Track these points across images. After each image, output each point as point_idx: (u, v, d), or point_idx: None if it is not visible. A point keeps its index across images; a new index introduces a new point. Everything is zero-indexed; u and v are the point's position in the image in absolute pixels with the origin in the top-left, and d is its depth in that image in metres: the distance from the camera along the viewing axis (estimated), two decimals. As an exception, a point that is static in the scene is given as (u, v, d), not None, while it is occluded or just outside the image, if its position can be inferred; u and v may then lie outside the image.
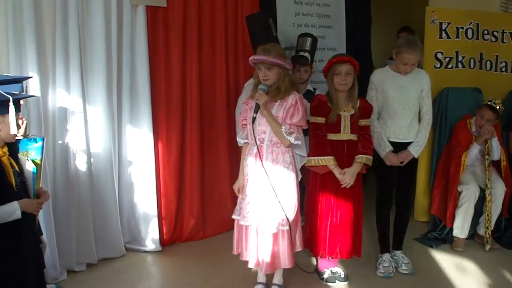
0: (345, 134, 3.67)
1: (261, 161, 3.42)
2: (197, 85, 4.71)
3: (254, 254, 3.46)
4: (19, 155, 2.84)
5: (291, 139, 3.39)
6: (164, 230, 4.65)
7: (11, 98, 2.53)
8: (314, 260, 4.14)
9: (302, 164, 3.69)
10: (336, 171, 3.61)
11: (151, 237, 4.53)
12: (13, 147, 2.77)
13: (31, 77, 3.51)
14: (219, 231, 4.93)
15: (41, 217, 3.61)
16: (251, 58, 3.44)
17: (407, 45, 3.80)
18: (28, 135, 3.39)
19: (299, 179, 3.61)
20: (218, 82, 4.88)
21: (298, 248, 3.61)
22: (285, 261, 3.49)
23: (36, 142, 2.93)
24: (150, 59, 4.40)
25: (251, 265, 3.49)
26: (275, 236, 3.43)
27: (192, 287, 3.87)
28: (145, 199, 4.51)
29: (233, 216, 3.60)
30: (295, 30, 5.41)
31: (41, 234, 3.48)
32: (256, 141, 3.46)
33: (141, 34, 4.32)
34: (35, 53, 3.68)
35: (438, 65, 5.16)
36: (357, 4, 6.14)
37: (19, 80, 3.18)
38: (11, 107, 2.53)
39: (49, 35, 3.82)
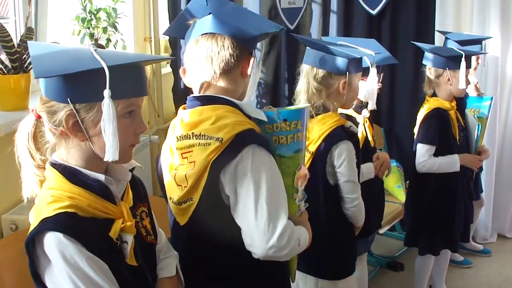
0: None
1: None
2: None
3: None
4: (466, 111, 2.94)
5: None
6: None
7: (463, 54, 2.65)
8: None
9: None
10: None
11: None
12: (461, 102, 2.89)
13: (490, 37, 3.51)
14: None
15: (483, 175, 3.69)
16: None
17: None
18: (482, 94, 3.47)
19: None
20: None
21: None
22: None
23: (485, 101, 2.95)
24: None
25: None
26: None
27: None
28: None
29: None
30: None
31: (481, 191, 3.57)
32: None
33: None
34: (498, 12, 3.63)
35: None
36: None
37: (478, 41, 3.26)
38: (462, 63, 2.64)
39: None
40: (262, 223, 1.37)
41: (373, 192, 2.49)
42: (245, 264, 1.48)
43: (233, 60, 1.49)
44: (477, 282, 3.42)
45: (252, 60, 1.54)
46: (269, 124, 1.52)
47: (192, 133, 1.47)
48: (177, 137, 1.51)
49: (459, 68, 2.65)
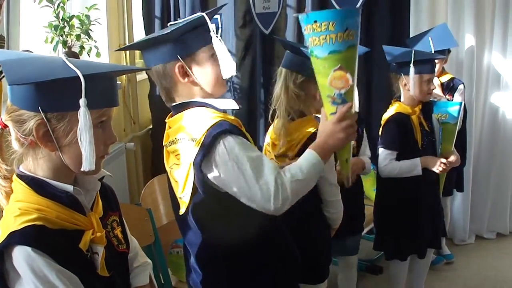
0: None
1: None
2: None
3: None
4: (433, 116, 2.91)
5: None
6: None
7: (411, 60, 2.61)
8: None
9: None
10: None
11: None
12: (427, 107, 2.85)
13: (454, 46, 3.53)
14: None
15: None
16: None
17: None
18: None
19: None
20: None
21: None
22: None
23: (453, 106, 2.95)
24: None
25: None
26: None
27: None
28: None
29: None
30: None
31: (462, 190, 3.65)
32: None
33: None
34: (472, 14, 3.67)
35: None
36: None
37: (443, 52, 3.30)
38: (411, 68, 2.60)
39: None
40: (257, 188, 1.47)
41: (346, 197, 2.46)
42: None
43: (171, 82, 1.61)
44: (455, 283, 3.43)
45: (181, 62, 1.58)
46: (306, 25, 1.58)
47: (176, 138, 1.58)
48: (168, 143, 1.63)
49: (408, 73, 2.63)
